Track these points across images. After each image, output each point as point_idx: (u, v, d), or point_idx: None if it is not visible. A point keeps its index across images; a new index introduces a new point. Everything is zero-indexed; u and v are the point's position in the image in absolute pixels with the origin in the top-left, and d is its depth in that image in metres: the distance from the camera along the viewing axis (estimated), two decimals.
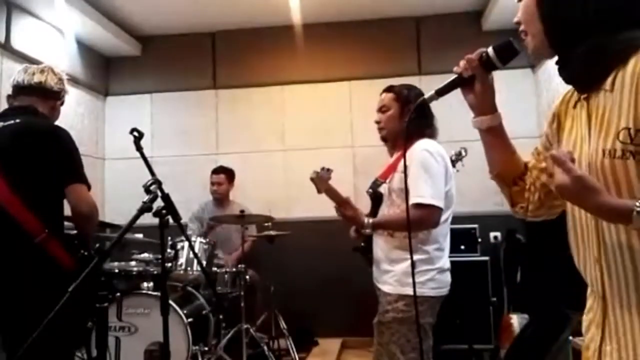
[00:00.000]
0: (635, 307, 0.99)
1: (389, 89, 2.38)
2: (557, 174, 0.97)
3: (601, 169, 1.00)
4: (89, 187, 2.18)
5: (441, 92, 1.24)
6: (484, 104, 1.23)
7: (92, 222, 2.20)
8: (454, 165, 3.33)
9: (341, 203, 2.26)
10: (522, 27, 1.15)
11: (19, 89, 2.26)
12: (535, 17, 1.10)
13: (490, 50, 1.19)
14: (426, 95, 1.26)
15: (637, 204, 0.89)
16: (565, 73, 1.11)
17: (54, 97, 2.29)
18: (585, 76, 1.06)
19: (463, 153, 3.47)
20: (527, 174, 1.27)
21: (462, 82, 1.22)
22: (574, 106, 1.13)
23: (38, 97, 2.25)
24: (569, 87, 1.15)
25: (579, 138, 1.09)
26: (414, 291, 1.77)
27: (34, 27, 4.27)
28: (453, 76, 1.25)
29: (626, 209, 0.91)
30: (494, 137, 1.26)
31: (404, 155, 2.27)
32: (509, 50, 1.19)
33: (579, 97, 1.10)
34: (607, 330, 1.05)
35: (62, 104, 2.37)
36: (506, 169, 1.28)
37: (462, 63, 1.21)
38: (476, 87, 1.22)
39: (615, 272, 1.02)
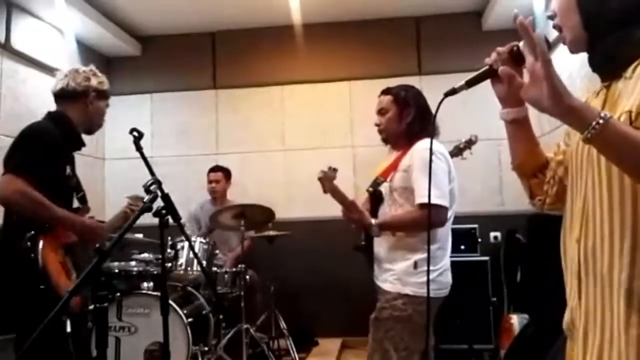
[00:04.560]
0: (607, 285, 1.03)
1: (386, 91, 2.37)
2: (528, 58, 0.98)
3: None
4: (26, 176, 2.12)
5: (471, 83, 1.23)
6: (511, 97, 1.22)
7: (12, 207, 2.17)
8: (461, 153, 3.28)
9: (347, 206, 2.25)
10: (556, 21, 1.16)
11: (53, 97, 2.39)
12: (573, 10, 1.11)
13: (521, 43, 1.17)
14: (456, 85, 1.24)
15: (600, 118, 0.92)
16: (593, 62, 1.13)
17: (81, 97, 2.35)
18: (610, 65, 1.09)
19: (474, 139, 3.29)
20: (548, 167, 1.30)
21: (491, 74, 1.22)
22: (596, 96, 1.16)
23: (67, 102, 2.35)
24: (568, 89, 1.15)
25: None
26: (427, 291, 1.76)
27: (34, 27, 4.27)
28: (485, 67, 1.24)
29: (588, 120, 0.92)
30: (519, 129, 1.28)
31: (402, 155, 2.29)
32: None
33: (601, 87, 1.13)
34: (582, 309, 1.10)
35: (98, 98, 2.41)
36: (527, 161, 1.30)
37: (493, 55, 1.22)
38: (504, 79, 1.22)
39: (592, 251, 1.06)
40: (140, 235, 3.45)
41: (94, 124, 2.44)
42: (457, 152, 3.28)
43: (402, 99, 2.31)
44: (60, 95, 2.36)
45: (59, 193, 2.26)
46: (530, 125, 1.29)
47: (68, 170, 2.33)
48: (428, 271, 1.62)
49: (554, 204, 1.28)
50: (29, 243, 2.10)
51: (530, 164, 1.30)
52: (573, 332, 1.14)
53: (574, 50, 1.17)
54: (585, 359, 1.08)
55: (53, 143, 2.25)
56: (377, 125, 2.37)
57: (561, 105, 0.94)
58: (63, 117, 2.34)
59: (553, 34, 1.21)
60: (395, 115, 2.31)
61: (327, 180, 2.26)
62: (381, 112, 2.35)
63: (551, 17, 1.17)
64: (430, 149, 1.54)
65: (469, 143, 3.29)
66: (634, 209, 0.99)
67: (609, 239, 1.03)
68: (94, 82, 2.40)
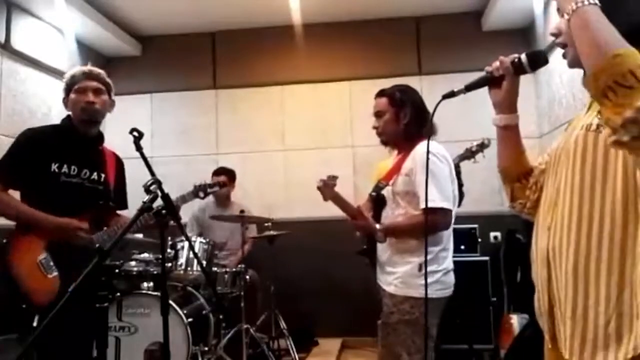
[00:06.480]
0: (572, 266, 1.11)
1: (381, 93, 2.37)
2: None
3: (576, 141, 1.14)
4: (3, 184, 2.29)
5: (470, 87, 1.31)
6: (506, 104, 1.33)
7: None
8: (474, 156, 3.25)
9: (352, 214, 2.25)
10: (561, 39, 1.21)
11: None
12: None
13: (523, 56, 1.27)
14: (455, 89, 1.31)
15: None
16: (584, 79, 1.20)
17: (66, 102, 2.52)
18: None
19: (486, 142, 3.23)
20: (532, 174, 1.37)
21: (491, 81, 1.31)
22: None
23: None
24: (569, 90, 1.19)
25: (577, 125, 1.21)
26: (426, 293, 1.76)
27: (34, 27, 4.27)
28: (484, 73, 1.33)
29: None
30: (509, 135, 1.37)
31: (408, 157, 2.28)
32: (540, 59, 1.27)
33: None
34: (553, 291, 1.19)
35: (68, 94, 2.52)
36: (513, 165, 1.39)
37: (495, 63, 1.30)
38: (503, 87, 1.31)
39: (560, 235, 1.14)
40: (140, 235, 3.45)
41: (79, 118, 2.52)
42: (469, 155, 3.25)
43: (397, 100, 2.30)
44: None
45: (43, 191, 2.33)
46: (519, 133, 1.37)
47: (54, 167, 2.37)
48: (426, 275, 1.62)
49: (533, 208, 1.36)
50: (4, 240, 2.25)
51: (515, 168, 1.39)
52: (543, 316, 1.23)
53: (571, 66, 1.23)
54: (563, 341, 1.14)
55: (25, 143, 2.37)
56: (375, 128, 2.37)
57: None
58: (67, 119, 2.52)
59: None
60: (392, 117, 2.30)
61: (327, 189, 2.27)
62: (378, 114, 2.34)
63: (554, 35, 1.21)
64: (427, 151, 1.54)
65: (482, 146, 3.24)
66: (602, 194, 1.07)
67: (576, 225, 1.10)
68: (66, 78, 2.54)
